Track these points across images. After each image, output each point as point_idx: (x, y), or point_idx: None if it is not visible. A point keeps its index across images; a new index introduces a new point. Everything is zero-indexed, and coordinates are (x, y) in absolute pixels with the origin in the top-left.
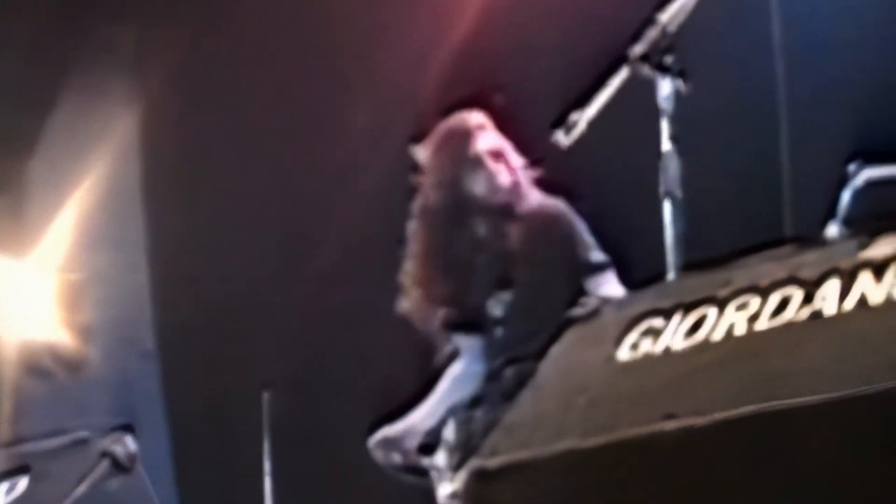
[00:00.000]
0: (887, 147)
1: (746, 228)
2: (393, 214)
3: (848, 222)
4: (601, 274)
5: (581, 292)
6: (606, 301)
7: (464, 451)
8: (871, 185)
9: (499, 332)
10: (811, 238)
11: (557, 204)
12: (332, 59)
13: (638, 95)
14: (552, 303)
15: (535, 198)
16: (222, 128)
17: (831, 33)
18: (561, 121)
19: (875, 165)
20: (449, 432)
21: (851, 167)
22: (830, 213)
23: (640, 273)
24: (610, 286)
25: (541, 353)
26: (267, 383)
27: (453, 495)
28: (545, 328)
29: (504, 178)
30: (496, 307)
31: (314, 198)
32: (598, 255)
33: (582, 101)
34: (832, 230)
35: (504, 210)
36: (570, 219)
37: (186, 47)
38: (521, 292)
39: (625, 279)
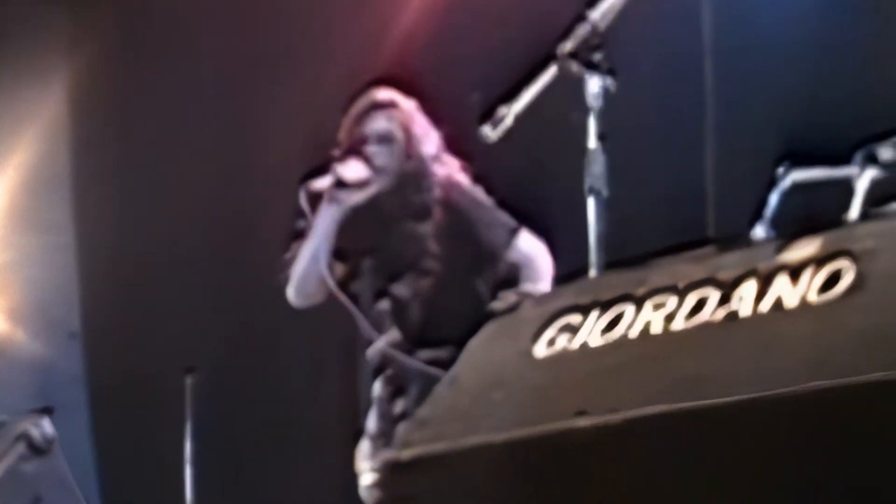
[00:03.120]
0: (815, 149)
1: (671, 228)
2: None
3: (775, 225)
4: (514, 239)
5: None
6: (527, 296)
7: (383, 442)
8: (799, 187)
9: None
10: (732, 239)
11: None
12: (268, 40)
13: (566, 92)
14: (462, 291)
15: (440, 172)
16: (153, 111)
17: (761, 34)
18: (488, 115)
19: (803, 168)
20: (371, 422)
21: (779, 169)
22: (757, 216)
23: (562, 269)
24: (527, 245)
25: (458, 344)
26: (190, 368)
27: (371, 486)
28: (454, 317)
29: (415, 146)
30: (404, 289)
31: (244, 183)
32: (502, 225)
33: (510, 95)
34: (758, 232)
35: (413, 183)
36: (469, 198)
37: (119, 29)
38: (430, 276)
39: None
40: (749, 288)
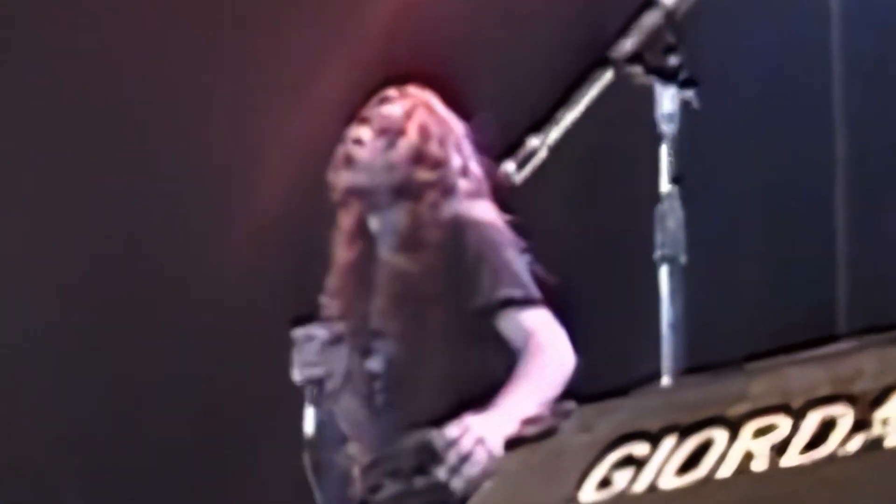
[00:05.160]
0: None
1: (779, 316)
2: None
3: None
4: (518, 312)
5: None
6: (566, 414)
7: None
8: None
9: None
10: (873, 335)
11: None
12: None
13: (625, 113)
14: (440, 360)
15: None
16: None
17: None
18: (513, 148)
19: None
20: None
21: None
22: None
23: (617, 375)
24: (535, 325)
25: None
26: None
27: None
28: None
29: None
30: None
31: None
32: (514, 290)
33: (543, 120)
34: None
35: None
36: (492, 234)
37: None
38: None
39: (595, 383)
40: None
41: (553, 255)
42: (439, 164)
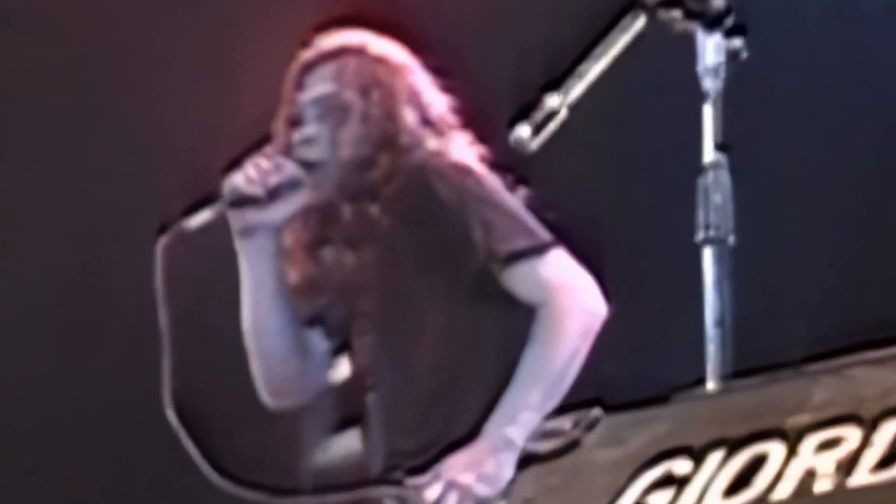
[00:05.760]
0: None
1: (846, 308)
2: None
3: None
4: (528, 264)
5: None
6: (590, 424)
7: None
8: None
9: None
10: None
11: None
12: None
13: (661, 66)
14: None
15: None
16: None
17: None
18: (526, 109)
19: None
20: None
21: None
22: None
23: (653, 378)
24: (556, 271)
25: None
26: None
27: None
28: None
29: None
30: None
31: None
32: (519, 239)
33: (563, 75)
34: None
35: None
36: (470, 180)
37: None
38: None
39: (626, 388)
40: None
41: (574, 236)
42: (391, 132)
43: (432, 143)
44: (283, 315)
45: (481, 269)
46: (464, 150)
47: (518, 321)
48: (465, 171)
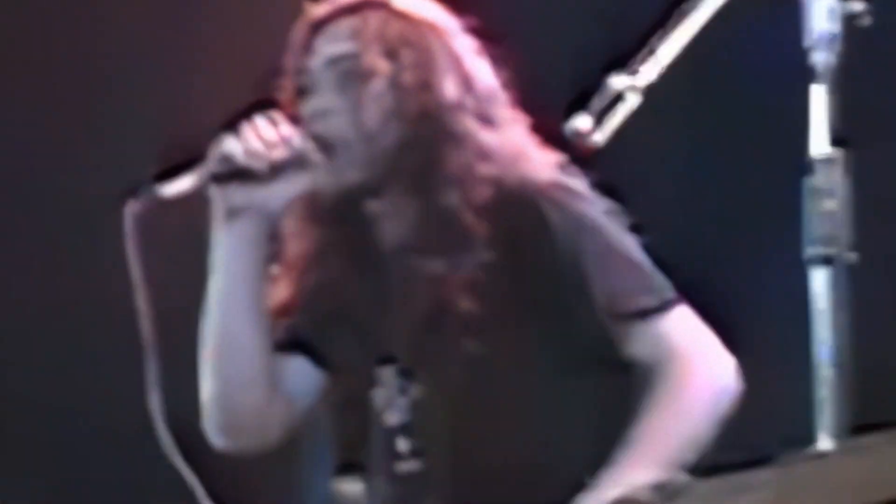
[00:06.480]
0: None
1: None
2: None
3: None
4: (650, 323)
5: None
6: (675, 492)
7: None
8: None
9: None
10: None
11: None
12: None
13: (758, 37)
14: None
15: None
16: None
17: None
18: (587, 94)
19: None
20: None
21: None
22: None
23: (751, 434)
24: (680, 333)
25: None
26: None
27: None
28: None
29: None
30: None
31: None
32: (644, 295)
33: (633, 51)
34: None
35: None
36: (584, 207)
37: None
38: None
39: (718, 447)
40: None
41: (651, 252)
42: (432, 106)
43: (489, 135)
44: (257, 327)
45: (589, 324)
46: (542, 152)
47: (612, 386)
48: (578, 195)
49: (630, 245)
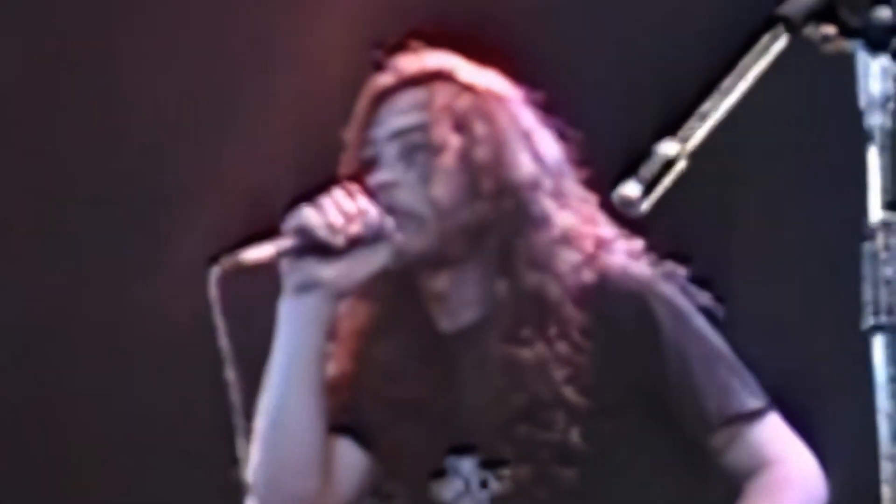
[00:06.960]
0: None
1: None
2: None
3: None
4: (745, 429)
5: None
6: None
7: None
8: None
9: None
10: None
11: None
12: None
13: (810, 98)
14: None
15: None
16: None
17: None
18: (635, 161)
19: None
20: None
21: None
22: None
23: None
24: (773, 442)
25: None
26: None
27: None
28: None
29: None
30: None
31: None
32: (748, 399)
33: (681, 115)
34: None
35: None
36: (681, 307)
37: None
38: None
39: None
40: None
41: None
42: (509, 182)
43: (566, 216)
44: (316, 408)
45: (693, 424)
46: (628, 244)
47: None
48: (682, 289)
49: (725, 345)
